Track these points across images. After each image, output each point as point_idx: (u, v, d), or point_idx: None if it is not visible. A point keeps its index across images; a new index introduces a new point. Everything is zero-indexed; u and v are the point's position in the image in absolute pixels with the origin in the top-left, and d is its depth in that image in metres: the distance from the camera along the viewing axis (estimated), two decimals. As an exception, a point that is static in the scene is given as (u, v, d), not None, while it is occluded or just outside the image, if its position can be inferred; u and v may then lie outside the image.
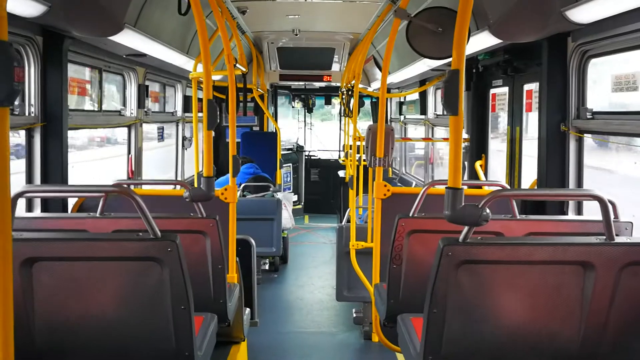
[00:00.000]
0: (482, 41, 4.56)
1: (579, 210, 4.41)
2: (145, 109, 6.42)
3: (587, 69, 4.15)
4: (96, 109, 5.60)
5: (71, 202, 4.63)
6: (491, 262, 2.41)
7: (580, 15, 3.50)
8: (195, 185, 5.94)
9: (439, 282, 2.41)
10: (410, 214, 3.54)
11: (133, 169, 6.23)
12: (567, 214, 4.43)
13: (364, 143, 5.71)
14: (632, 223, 3.40)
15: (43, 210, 4.31)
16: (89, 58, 5.13)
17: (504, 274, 2.44)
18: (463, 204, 2.31)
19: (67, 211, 4.52)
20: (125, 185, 3.53)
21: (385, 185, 4.54)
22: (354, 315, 5.92)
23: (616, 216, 3.32)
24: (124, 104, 6.17)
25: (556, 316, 2.49)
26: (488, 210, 2.28)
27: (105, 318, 2.61)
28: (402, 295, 3.55)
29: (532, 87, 5.14)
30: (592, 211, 4.26)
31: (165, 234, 2.49)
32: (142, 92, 6.28)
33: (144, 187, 5.85)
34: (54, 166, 4.24)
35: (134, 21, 4.50)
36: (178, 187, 4.86)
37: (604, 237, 2.44)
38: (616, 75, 3.88)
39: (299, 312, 6.84)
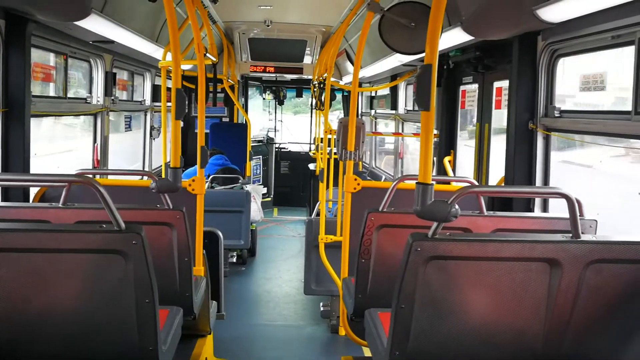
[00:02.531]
0: (454, 37, 4.58)
1: (544, 207, 4.47)
2: (113, 97, 6.29)
3: (557, 68, 4.20)
4: (61, 96, 5.46)
5: (33, 191, 4.50)
6: (459, 258, 2.41)
7: (550, 14, 3.53)
8: (163, 176, 5.86)
9: (407, 278, 2.40)
10: (380, 209, 3.53)
11: (99, 158, 6.10)
12: (533, 211, 4.48)
13: (335, 136, 5.70)
14: (596, 221, 3.45)
15: (3, 199, 4.18)
16: (54, 43, 4.99)
17: (472, 270, 2.45)
18: (433, 199, 2.31)
19: (28, 201, 4.40)
20: (90, 175, 3.45)
21: (355, 179, 4.53)
22: (322, 308, 5.92)
23: (581, 214, 3.36)
24: (90, 92, 6.03)
25: (522, 312, 2.51)
26: (457, 207, 2.28)
27: (67, 312, 2.54)
28: (370, 290, 3.54)
29: (502, 84, 5.18)
30: (557, 208, 4.33)
31: (129, 225, 2.43)
32: (109, 80, 6.14)
33: (110, 177, 5.73)
34: (15, 154, 4.12)
35: (101, 6, 4.39)
36: (145, 177, 4.77)
37: (570, 235, 2.46)
38: (584, 75, 3.93)
39: (266, 305, 6.81)
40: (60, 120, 6.03)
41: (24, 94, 4.11)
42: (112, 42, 5.22)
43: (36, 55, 4.71)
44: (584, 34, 3.68)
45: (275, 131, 14.13)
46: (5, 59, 4.03)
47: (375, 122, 10.84)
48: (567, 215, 2.50)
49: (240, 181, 7.95)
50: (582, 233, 2.48)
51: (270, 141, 12.96)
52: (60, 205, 3.42)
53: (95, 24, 4.40)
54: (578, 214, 2.51)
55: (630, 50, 3.33)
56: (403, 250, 2.42)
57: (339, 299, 5.36)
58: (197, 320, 3.73)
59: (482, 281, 2.46)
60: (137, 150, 8.25)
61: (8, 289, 2.46)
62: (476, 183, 4.09)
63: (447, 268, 2.42)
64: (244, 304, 6.80)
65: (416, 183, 2.32)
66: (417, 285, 2.41)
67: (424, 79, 2.27)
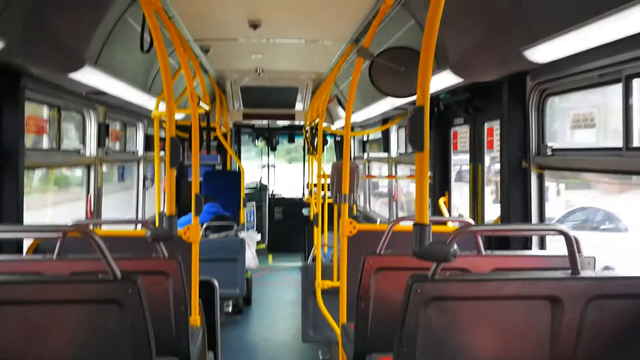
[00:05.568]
0: (444, 80, 4.64)
1: (542, 245, 4.46)
2: (106, 148, 6.30)
3: (546, 107, 4.25)
4: (54, 148, 5.47)
5: (27, 245, 4.46)
6: (460, 299, 2.39)
7: (537, 55, 3.59)
8: (157, 225, 5.82)
9: (408, 320, 2.37)
10: (377, 252, 3.51)
11: (92, 209, 6.06)
12: (530, 249, 4.46)
13: (329, 180, 5.71)
14: (594, 258, 3.44)
15: (-4, 252, 4.13)
16: (48, 96, 5.02)
17: (473, 310, 2.42)
18: (430, 240, 2.29)
19: (22, 254, 4.35)
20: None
21: (351, 222, 4.51)
22: (321, 357, 5.82)
23: (579, 251, 3.35)
24: (84, 143, 6.04)
25: (526, 351, 2.48)
26: (456, 246, 2.27)
27: None
28: (370, 335, 3.48)
29: (493, 124, 5.23)
30: (554, 247, 4.31)
31: (125, 274, 2.40)
32: (102, 131, 6.16)
33: (104, 227, 5.69)
34: (9, 207, 4.09)
35: (95, 59, 4.44)
36: (139, 226, 4.74)
37: (570, 272, 2.45)
38: (574, 113, 3.99)
39: (263, 355, 6.68)
40: (53, 172, 6.02)
41: (17, 147, 4.11)
42: (106, 93, 5.26)
43: (29, 108, 4.73)
44: (571, 73, 3.75)
45: (268, 177, 14.15)
46: (-1, 112, 4.04)
47: (369, 165, 10.90)
48: (565, 253, 2.50)
49: (234, 228, 7.91)
50: (582, 270, 2.47)
51: (263, 187, 12.96)
52: (54, 257, 3.38)
53: (89, 76, 4.44)
54: (577, 250, 2.50)
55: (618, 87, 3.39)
56: (402, 292, 2.39)
57: (338, 346, 5.27)
58: None
59: (484, 321, 2.43)
60: (130, 202, 8.22)
61: (2, 343, 2.41)
62: (473, 222, 4.08)
63: (448, 309, 2.40)
64: (242, 353, 6.67)
65: (413, 224, 2.31)
66: (418, 327, 2.38)
67: (416, 121, 2.28)
